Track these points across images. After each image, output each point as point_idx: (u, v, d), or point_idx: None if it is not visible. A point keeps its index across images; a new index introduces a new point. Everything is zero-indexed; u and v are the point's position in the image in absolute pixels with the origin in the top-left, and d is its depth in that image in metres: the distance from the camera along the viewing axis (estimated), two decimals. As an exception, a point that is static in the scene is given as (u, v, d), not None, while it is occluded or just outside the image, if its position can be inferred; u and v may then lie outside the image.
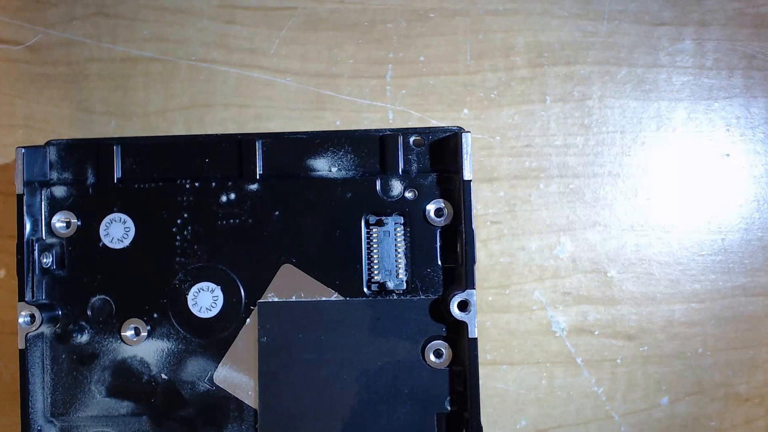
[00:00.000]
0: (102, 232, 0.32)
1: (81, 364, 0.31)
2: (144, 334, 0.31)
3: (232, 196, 0.32)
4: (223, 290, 0.31)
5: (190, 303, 0.31)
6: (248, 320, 0.31)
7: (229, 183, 0.32)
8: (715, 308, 0.36)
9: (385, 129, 0.32)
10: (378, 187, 0.31)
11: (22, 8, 0.37)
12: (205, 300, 0.31)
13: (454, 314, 0.29)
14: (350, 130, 0.32)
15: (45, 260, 0.31)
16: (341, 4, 0.37)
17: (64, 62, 0.37)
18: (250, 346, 0.31)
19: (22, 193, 0.31)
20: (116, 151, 0.32)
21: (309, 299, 0.31)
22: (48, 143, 0.32)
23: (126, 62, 0.37)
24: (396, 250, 0.31)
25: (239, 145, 0.32)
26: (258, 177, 0.32)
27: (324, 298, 0.31)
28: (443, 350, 0.31)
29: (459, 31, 0.37)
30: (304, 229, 0.31)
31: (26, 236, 0.31)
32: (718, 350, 0.36)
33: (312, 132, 0.32)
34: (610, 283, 0.36)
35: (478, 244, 0.35)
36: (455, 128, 0.31)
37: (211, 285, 0.31)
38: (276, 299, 0.31)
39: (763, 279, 0.36)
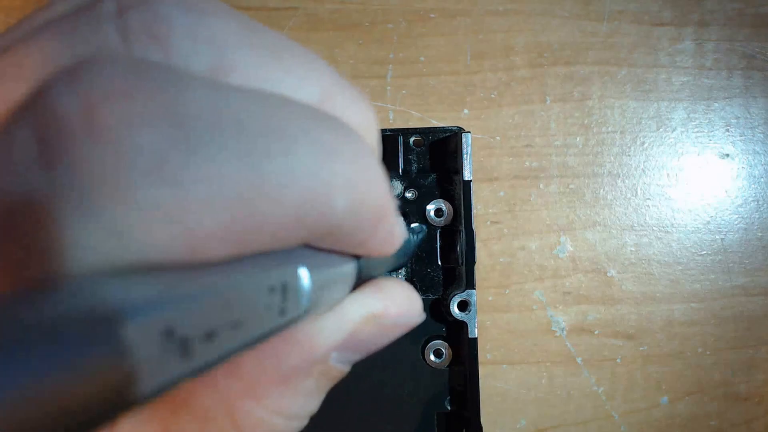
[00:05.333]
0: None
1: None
2: None
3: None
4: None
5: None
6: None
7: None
8: (714, 308, 0.36)
9: (386, 129, 0.32)
10: (378, 187, 0.31)
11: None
12: None
13: (454, 314, 0.29)
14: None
15: None
16: (342, 5, 0.37)
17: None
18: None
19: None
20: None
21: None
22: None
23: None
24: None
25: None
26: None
27: (324, 298, 0.31)
28: (443, 350, 0.31)
29: (459, 32, 0.37)
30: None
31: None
32: (718, 350, 0.36)
33: (312, 132, 0.32)
34: (610, 282, 0.36)
35: (478, 244, 0.35)
36: (455, 128, 0.31)
37: None
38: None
39: (762, 279, 0.36)
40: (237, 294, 0.09)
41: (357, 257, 0.14)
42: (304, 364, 0.13)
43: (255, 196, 0.09)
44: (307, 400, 0.14)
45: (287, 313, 0.10)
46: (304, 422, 0.14)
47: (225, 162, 0.09)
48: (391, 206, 0.13)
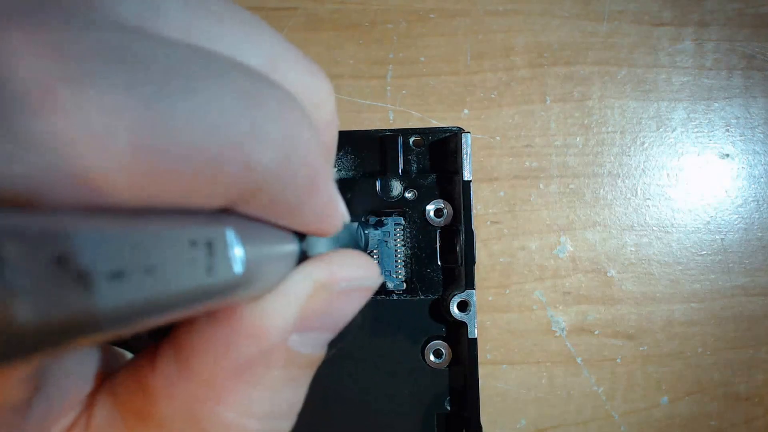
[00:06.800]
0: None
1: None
2: None
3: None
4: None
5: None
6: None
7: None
8: (714, 308, 0.36)
9: (385, 129, 0.32)
10: (378, 187, 0.31)
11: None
12: None
13: (453, 314, 0.29)
14: (350, 131, 0.32)
15: None
16: (342, 5, 0.37)
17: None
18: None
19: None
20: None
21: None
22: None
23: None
24: (396, 251, 0.31)
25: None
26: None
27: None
28: (443, 350, 0.31)
29: (459, 32, 0.37)
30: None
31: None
32: (718, 350, 0.36)
33: (312, 132, 0.32)
34: (610, 282, 0.36)
35: (478, 244, 0.35)
36: (455, 128, 0.31)
37: None
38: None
39: (762, 279, 0.36)
40: (148, 237, 0.09)
41: (299, 237, 0.13)
42: (258, 352, 0.12)
43: (162, 134, 0.09)
44: (278, 395, 0.12)
45: (216, 272, 0.10)
46: (287, 422, 0.13)
47: (121, 96, 0.08)
48: (326, 176, 0.12)
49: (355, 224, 0.19)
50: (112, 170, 0.09)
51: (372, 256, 0.31)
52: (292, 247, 0.13)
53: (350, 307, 0.14)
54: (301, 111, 0.11)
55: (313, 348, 0.13)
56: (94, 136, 0.08)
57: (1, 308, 0.06)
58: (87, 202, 0.09)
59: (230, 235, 0.10)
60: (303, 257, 0.13)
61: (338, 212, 0.13)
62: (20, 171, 0.08)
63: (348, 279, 0.13)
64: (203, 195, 0.10)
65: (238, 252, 0.10)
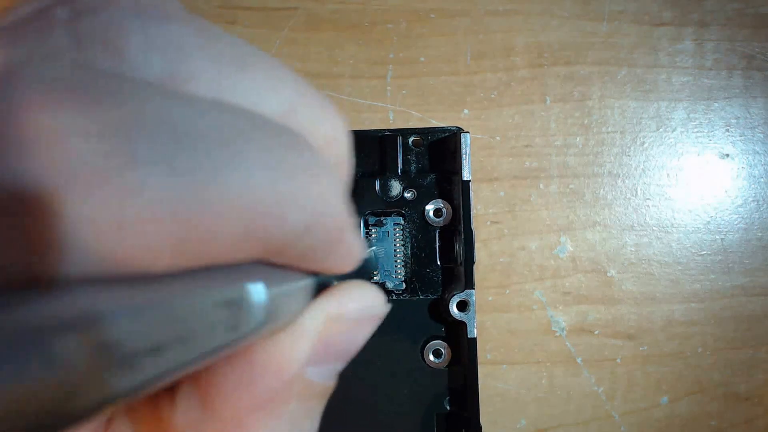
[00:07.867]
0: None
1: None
2: None
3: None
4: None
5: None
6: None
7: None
8: (714, 308, 0.36)
9: (385, 129, 0.32)
10: (377, 187, 0.31)
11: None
12: None
13: (453, 314, 0.29)
14: (350, 131, 0.32)
15: None
16: (342, 5, 0.37)
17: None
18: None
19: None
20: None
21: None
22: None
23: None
24: (395, 251, 0.31)
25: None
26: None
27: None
28: (442, 350, 0.31)
29: (459, 32, 0.37)
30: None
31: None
32: (718, 350, 0.36)
33: (312, 132, 0.32)
34: (610, 282, 0.36)
35: (478, 244, 0.35)
36: (454, 128, 0.31)
37: None
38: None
39: (762, 279, 0.36)
40: (185, 309, 0.09)
41: (315, 274, 0.14)
42: (281, 386, 0.12)
43: (201, 211, 0.09)
44: (297, 427, 0.13)
45: (239, 328, 0.10)
46: None
47: (167, 175, 0.09)
48: (349, 226, 0.12)
49: (368, 255, 0.19)
50: (158, 245, 0.09)
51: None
52: (307, 283, 0.13)
53: (361, 336, 0.14)
54: (329, 171, 0.12)
55: (328, 378, 0.13)
56: (141, 216, 0.08)
57: (60, 397, 0.07)
58: (122, 274, 0.09)
59: (256, 291, 0.10)
60: (317, 290, 0.14)
61: (357, 256, 0.13)
62: (63, 256, 0.08)
63: (357, 309, 0.14)
64: (233, 255, 0.10)
65: (260, 305, 0.10)
